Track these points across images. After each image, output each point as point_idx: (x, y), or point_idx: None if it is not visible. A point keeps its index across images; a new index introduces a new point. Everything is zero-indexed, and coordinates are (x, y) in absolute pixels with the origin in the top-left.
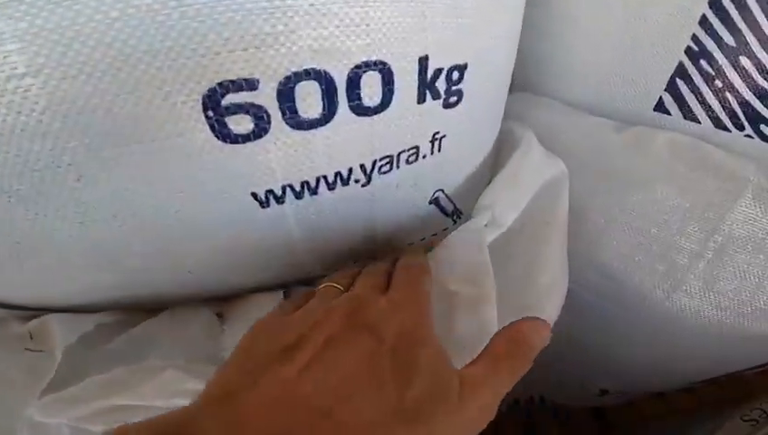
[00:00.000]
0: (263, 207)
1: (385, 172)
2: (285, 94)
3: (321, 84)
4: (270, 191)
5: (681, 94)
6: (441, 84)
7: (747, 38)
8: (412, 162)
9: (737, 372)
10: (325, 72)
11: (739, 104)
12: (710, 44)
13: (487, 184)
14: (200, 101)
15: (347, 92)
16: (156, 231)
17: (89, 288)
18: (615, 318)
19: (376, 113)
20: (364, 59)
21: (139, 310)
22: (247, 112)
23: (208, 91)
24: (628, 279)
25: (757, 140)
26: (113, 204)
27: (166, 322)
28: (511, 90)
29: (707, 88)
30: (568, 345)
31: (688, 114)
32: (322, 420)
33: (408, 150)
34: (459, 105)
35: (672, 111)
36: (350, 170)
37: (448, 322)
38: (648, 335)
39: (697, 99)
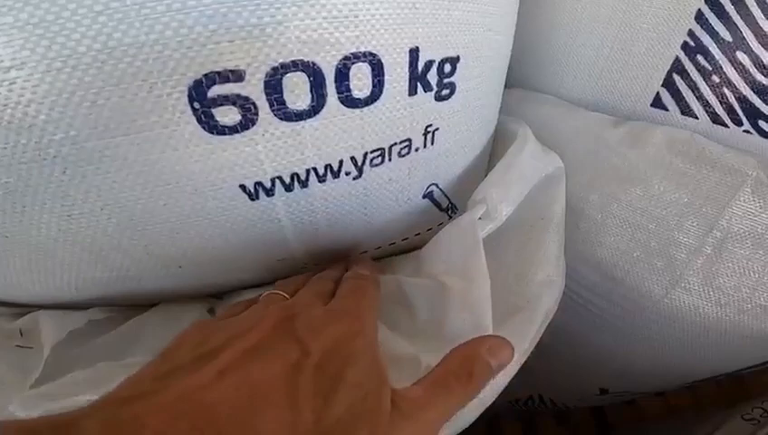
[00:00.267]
0: (252, 199)
1: (377, 165)
2: (273, 86)
3: (309, 76)
4: (259, 184)
5: (678, 90)
6: (433, 77)
7: (743, 33)
8: (405, 155)
9: (738, 370)
10: (313, 63)
11: (736, 100)
12: (706, 40)
13: (483, 179)
14: (186, 93)
15: (336, 84)
16: (144, 224)
17: (77, 284)
18: (613, 316)
19: (366, 105)
20: (353, 50)
21: (131, 306)
22: (234, 104)
23: (194, 82)
24: (625, 276)
25: (755, 135)
26: (100, 197)
27: (155, 318)
28: (507, 85)
29: (704, 84)
30: (565, 344)
31: (686, 110)
32: (225, 432)
33: (401, 143)
34: (452, 98)
35: (669, 107)
36: (341, 163)
37: (441, 317)
38: (646, 333)
39: (695, 94)
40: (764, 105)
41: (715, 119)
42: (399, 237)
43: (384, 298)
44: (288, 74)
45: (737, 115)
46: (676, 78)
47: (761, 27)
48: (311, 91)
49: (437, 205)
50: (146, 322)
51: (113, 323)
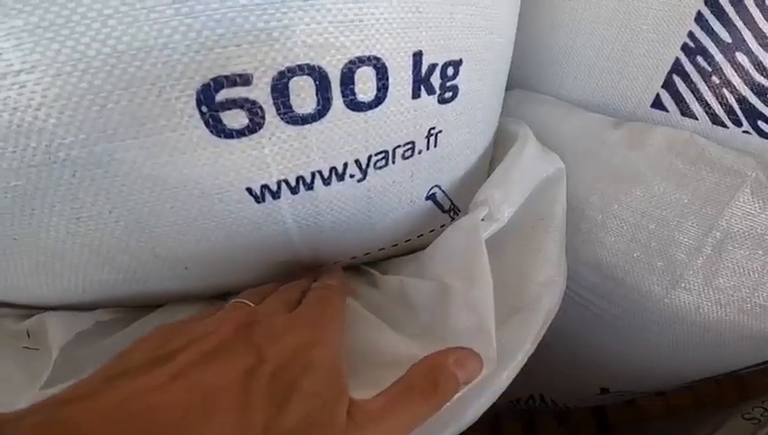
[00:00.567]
0: (258, 202)
1: (381, 167)
2: (279, 89)
3: (314, 80)
4: (265, 186)
5: (678, 91)
6: (436, 80)
7: (743, 34)
8: (408, 157)
9: (738, 370)
10: (319, 67)
11: (736, 101)
12: (706, 41)
13: (484, 180)
14: (194, 97)
15: (341, 88)
16: (151, 227)
17: (85, 286)
18: (613, 316)
19: (370, 108)
20: (358, 54)
21: (137, 307)
22: (241, 108)
23: (202, 86)
24: (626, 276)
25: (755, 136)
26: (109, 200)
27: (161, 319)
28: (508, 86)
29: (704, 85)
30: (566, 344)
31: (686, 111)
32: None
33: (404, 146)
34: (455, 101)
35: (669, 108)
36: (346, 165)
37: (444, 318)
38: (647, 333)
39: (694, 95)
40: (764, 106)
41: (715, 120)
42: (402, 239)
43: (387, 299)
44: (294, 78)
45: (737, 116)
46: (676, 79)
47: (760, 28)
48: (316, 94)
49: (440, 206)
50: (152, 323)
51: (120, 324)
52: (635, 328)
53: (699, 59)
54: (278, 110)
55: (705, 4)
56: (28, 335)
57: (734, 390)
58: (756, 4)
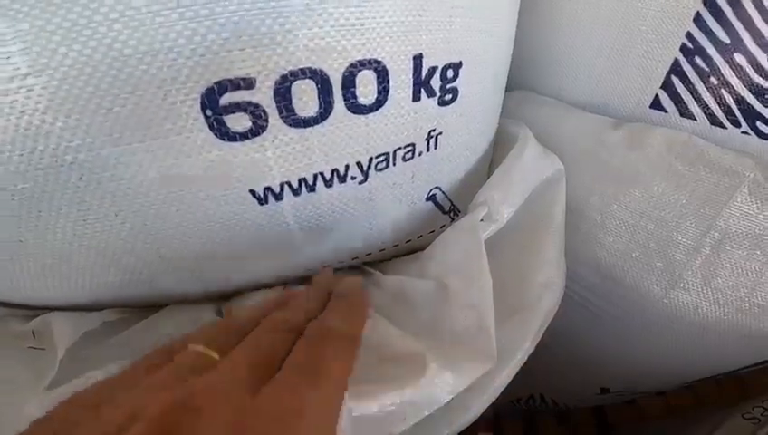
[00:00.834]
0: (261, 204)
1: (381, 169)
2: (282, 93)
3: (316, 83)
4: (268, 188)
5: (677, 92)
6: (436, 82)
7: (741, 35)
8: (409, 159)
9: (738, 369)
10: (321, 70)
11: (734, 101)
12: (705, 42)
13: (484, 181)
14: (199, 101)
15: (342, 91)
16: (157, 229)
17: (91, 287)
18: (612, 316)
19: (371, 111)
20: (359, 58)
21: (143, 308)
22: (245, 111)
23: (207, 90)
24: (625, 276)
25: (753, 136)
26: (115, 202)
27: (165, 320)
28: (509, 87)
29: (703, 85)
30: (566, 344)
31: (684, 111)
32: None
33: (405, 148)
34: (455, 103)
35: (668, 109)
36: (347, 167)
37: (445, 317)
38: (646, 332)
39: (693, 96)
40: (762, 106)
41: (714, 120)
42: (403, 239)
43: (389, 298)
44: (297, 82)
45: (735, 116)
46: (675, 80)
47: (758, 29)
48: (318, 97)
49: (440, 207)
50: (157, 323)
51: (126, 324)
52: (634, 328)
53: (698, 60)
54: (281, 113)
55: (704, 5)
56: (33, 336)
57: (734, 389)
58: (755, 5)
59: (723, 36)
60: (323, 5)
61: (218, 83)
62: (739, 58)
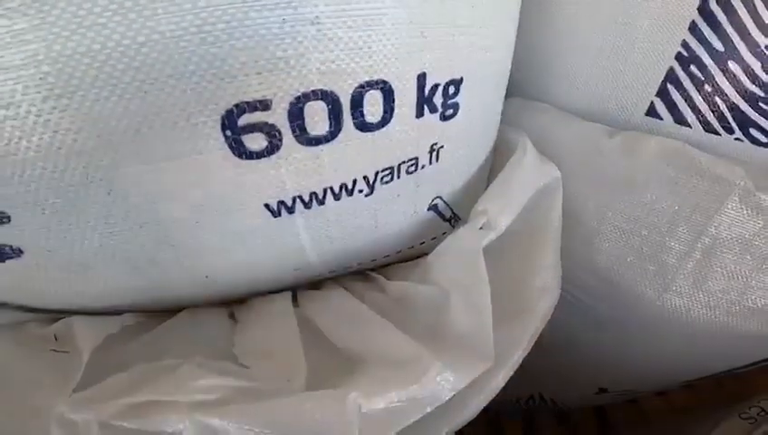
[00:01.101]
0: (274, 216)
1: (387, 182)
2: (295, 114)
3: (327, 104)
4: (281, 202)
5: (672, 99)
6: (438, 99)
7: (736, 43)
8: (412, 172)
9: (732, 369)
10: (331, 92)
11: (728, 108)
12: (700, 50)
13: (484, 189)
14: (219, 122)
15: (351, 110)
16: (177, 240)
17: (112, 293)
18: (609, 318)
19: (378, 129)
20: (367, 79)
21: (158, 312)
22: (261, 131)
23: (226, 112)
24: (620, 279)
25: (747, 143)
26: (140, 216)
27: (182, 323)
28: (508, 94)
29: (697, 93)
30: (564, 344)
31: (679, 119)
32: None
33: (408, 161)
34: (456, 117)
35: (663, 116)
36: (355, 182)
37: (445, 321)
38: (641, 334)
39: (688, 103)
40: (755, 114)
41: (708, 127)
42: (406, 247)
43: (392, 302)
44: (309, 103)
45: (729, 123)
46: (670, 88)
47: (753, 38)
48: (329, 117)
49: (442, 216)
50: (174, 326)
51: (144, 328)
52: (630, 329)
53: (693, 68)
54: (294, 132)
55: (700, 13)
56: (55, 339)
57: (734, 389)
58: (749, 14)
59: (717, 44)
60: (334, 30)
61: (237, 105)
62: (733, 66)
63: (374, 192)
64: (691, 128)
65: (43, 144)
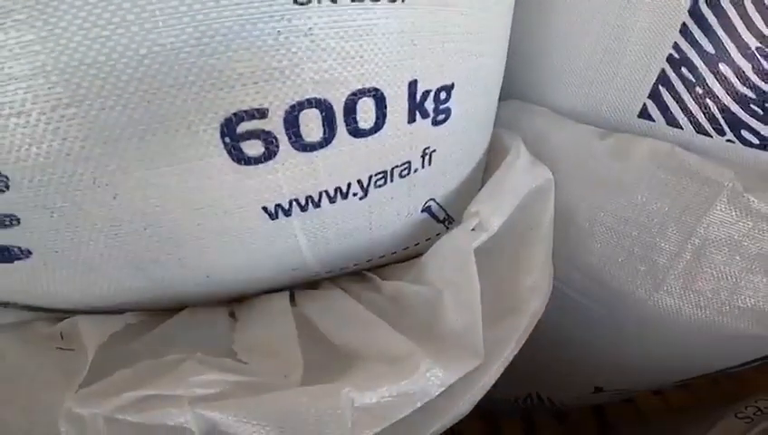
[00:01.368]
0: (272, 219)
1: (380, 186)
2: (291, 121)
3: (321, 111)
4: (278, 205)
5: (664, 101)
6: (429, 104)
7: (726, 45)
8: (405, 176)
9: (725, 369)
10: (325, 100)
11: (719, 110)
12: (691, 52)
13: (477, 191)
14: (218, 129)
15: (344, 117)
16: (180, 242)
17: (116, 292)
18: (601, 317)
19: (371, 134)
20: (359, 87)
21: (160, 311)
22: (259, 138)
23: (225, 120)
24: (612, 279)
25: (738, 144)
26: (144, 219)
27: (184, 321)
28: (503, 96)
29: (688, 95)
30: (559, 344)
31: (671, 120)
32: None
33: (401, 165)
34: (447, 122)
35: (655, 118)
36: (349, 185)
37: (437, 319)
38: (633, 333)
39: (679, 105)
40: (746, 115)
41: (699, 129)
42: (401, 247)
43: (387, 301)
44: (304, 111)
45: (720, 125)
46: (662, 90)
47: (743, 40)
48: (323, 124)
49: (435, 217)
50: (175, 324)
51: (146, 326)
52: (622, 328)
53: (684, 70)
54: (290, 139)
55: (690, 16)
56: (61, 337)
57: (731, 389)
58: (740, 16)
59: (708, 47)
60: (326, 41)
61: (235, 114)
62: (724, 68)
63: (368, 195)
64: (683, 129)
65: (52, 151)
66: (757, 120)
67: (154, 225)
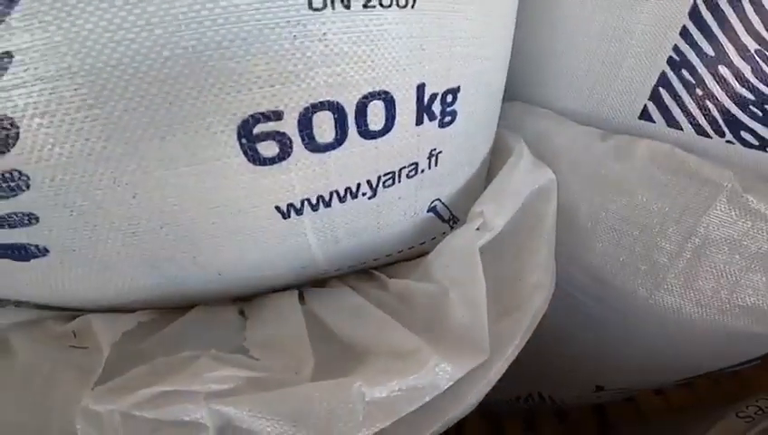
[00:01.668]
0: (284, 218)
1: (388, 186)
2: (304, 123)
3: (334, 114)
4: (291, 205)
5: (664, 103)
6: (436, 107)
7: (725, 47)
8: (412, 176)
9: (726, 367)
10: (337, 102)
11: (719, 112)
12: (690, 54)
13: (482, 191)
14: (236, 131)
15: (355, 119)
16: (195, 240)
17: (130, 290)
18: (603, 316)
19: (380, 136)
20: (370, 90)
21: (170, 309)
22: (273, 139)
23: (242, 121)
24: (613, 278)
25: (738, 145)
26: (162, 217)
27: (196, 319)
28: (506, 97)
29: (688, 97)
30: (561, 343)
31: (671, 122)
32: None
33: (409, 166)
34: (453, 124)
35: (656, 119)
36: (359, 185)
37: (444, 316)
38: (634, 332)
39: (680, 107)
40: (746, 116)
41: (699, 130)
42: (407, 246)
43: (394, 299)
44: (317, 113)
45: (720, 126)
46: (662, 91)
47: (742, 42)
48: (335, 126)
49: (440, 217)
50: (188, 322)
51: (158, 324)
52: (623, 327)
53: (684, 72)
54: (303, 140)
55: (690, 18)
56: (74, 335)
57: (732, 388)
58: (739, 19)
59: (708, 49)
60: (339, 46)
61: (252, 116)
62: (723, 70)
63: (377, 195)
64: (683, 131)
65: (74, 151)
66: (756, 121)
67: (171, 223)
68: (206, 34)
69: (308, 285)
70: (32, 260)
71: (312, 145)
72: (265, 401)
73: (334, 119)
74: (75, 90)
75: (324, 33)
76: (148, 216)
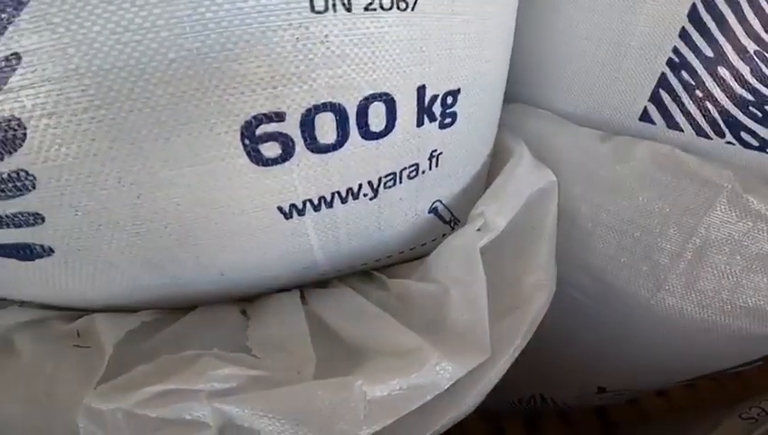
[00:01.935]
0: (286, 218)
1: (389, 187)
2: (307, 124)
3: (335, 115)
4: (293, 205)
5: (664, 105)
6: (437, 108)
7: (725, 49)
8: (413, 177)
9: (728, 369)
10: (339, 104)
11: (719, 113)
12: (690, 56)
13: (482, 192)
14: (239, 131)
15: (357, 121)
16: (199, 240)
17: (133, 290)
18: (604, 317)
19: (381, 137)
20: (371, 92)
21: (174, 309)
22: (276, 140)
23: (245, 123)
24: (614, 279)
25: (738, 146)
26: (166, 217)
27: (198, 319)
28: (507, 99)
29: (689, 98)
30: (563, 344)
31: (671, 123)
32: None
33: (409, 167)
34: (454, 125)
35: (656, 121)
36: (360, 186)
37: (445, 316)
38: (636, 333)
39: (679, 108)
40: (745, 117)
41: (699, 131)
42: (408, 247)
43: (395, 299)
44: (319, 114)
45: (720, 127)
46: (663, 93)
47: (741, 43)
48: (337, 128)
49: (441, 218)
50: (190, 322)
51: (160, 324)
52: (625, 328)
53: (683, 73)
54: (305, 141)
55: (689, 20)
56: (78, 335)
57: (735, 389)
58: (738, 20)
59: (707, 50)
60: (341, 48)
61: (255, 117)
62: (723, 71)
63: (378, 196)
64: (683, 132)
65: (80, 151)
66: (756, 122)
67: (174, 223)
68: (209, 36)
69: (309, 285)
70: (36, 260)
71: (314, 146)
72: (268, 400)
73: (336, 120)
74: (82, 91)
75: (326, 36)
76: (152, 216)
